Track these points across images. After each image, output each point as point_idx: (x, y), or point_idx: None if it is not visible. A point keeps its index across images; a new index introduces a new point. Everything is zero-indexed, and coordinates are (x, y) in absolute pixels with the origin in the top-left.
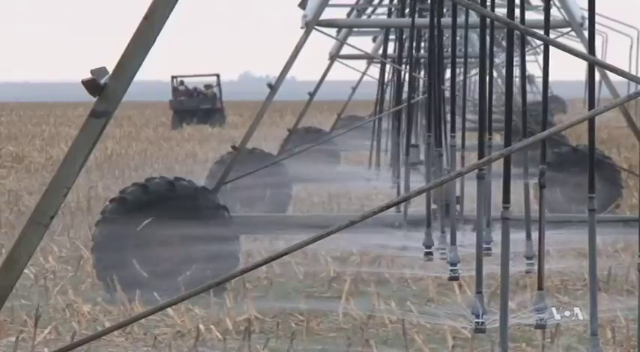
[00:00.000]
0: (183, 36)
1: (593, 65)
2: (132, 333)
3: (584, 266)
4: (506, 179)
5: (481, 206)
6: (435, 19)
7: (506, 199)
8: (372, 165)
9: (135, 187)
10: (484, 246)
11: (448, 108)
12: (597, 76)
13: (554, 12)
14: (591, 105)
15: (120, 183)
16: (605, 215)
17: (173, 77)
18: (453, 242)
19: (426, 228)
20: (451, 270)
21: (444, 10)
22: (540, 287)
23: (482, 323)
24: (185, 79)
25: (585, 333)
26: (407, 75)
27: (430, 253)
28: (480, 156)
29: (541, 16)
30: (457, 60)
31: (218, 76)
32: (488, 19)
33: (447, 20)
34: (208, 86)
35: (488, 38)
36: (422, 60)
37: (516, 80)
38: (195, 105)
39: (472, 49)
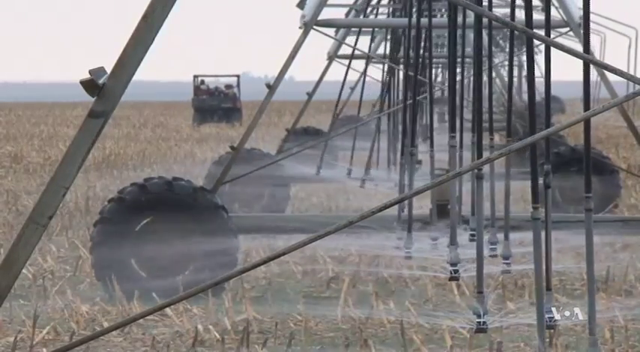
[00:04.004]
0: (183, 36)
1: (588, 66)
2: (130, 333)
3: (582, 266)
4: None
5: (480, 206)
6: (422, 19)
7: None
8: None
9: (133, 187)
10: (490, 246)
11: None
12: (595, 75)
13: (553, 12)
14: (587, 106)
15: (118, 183)
16: (604, 215)
17: (195, 76)
18: (454, 242)
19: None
20: (452, 271)
21: (443, 10)
22: (549, 288)
23: (484, 322)
24: (205, 79)
25: (584, 333)
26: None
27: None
28: (479, 155)
29: (539, 17)
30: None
31: (238, 76)
32: (486, 20)
33: (444, 20)
34: (229, 86)
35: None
36: (420, 60)
37: (514, 80)
38: (216, 104)
39: (470, 49)
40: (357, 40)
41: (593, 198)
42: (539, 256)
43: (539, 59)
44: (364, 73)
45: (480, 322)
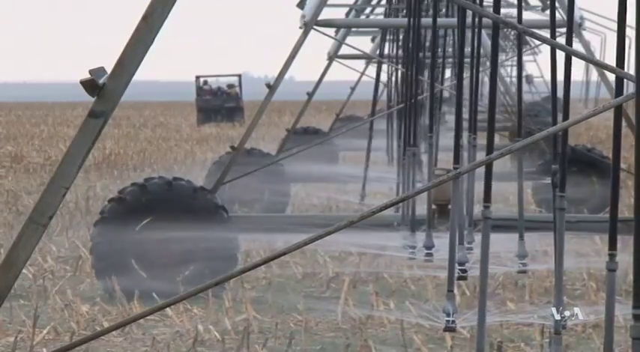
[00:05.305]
0: (183, 36)
1: (554, 52)
2: (130, 333)
3: (582, 266)
4: (487, 179)
5: (455, 205)
6: (425, 19)
7: (487, 198)
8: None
9: (133, 187)
10: (466, 245)
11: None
12: (596, 75)
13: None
14: (558, 119)
15: (118, 183)
16: (604, 215)
17: (197, 77)
18: (461, 242)
19: (427, 229)
20: (459, 270)
21: (442, 10)
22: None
23: (453, 322)
24: (206, 79)
25: (584, 333)
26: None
27: (431, 254)
28: (456, 157)
29: (539, 16)
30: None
31: (240, 76)
32: (487, 20)
33: (444, 20)
34: (231, 85)
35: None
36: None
37: (513, 80)
38: (219, 103)
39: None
40: (383, 39)
41: (565, 197)
42: (485, 256)
43: (540, 59)
44: (379, 74)
45: (448, 320)
